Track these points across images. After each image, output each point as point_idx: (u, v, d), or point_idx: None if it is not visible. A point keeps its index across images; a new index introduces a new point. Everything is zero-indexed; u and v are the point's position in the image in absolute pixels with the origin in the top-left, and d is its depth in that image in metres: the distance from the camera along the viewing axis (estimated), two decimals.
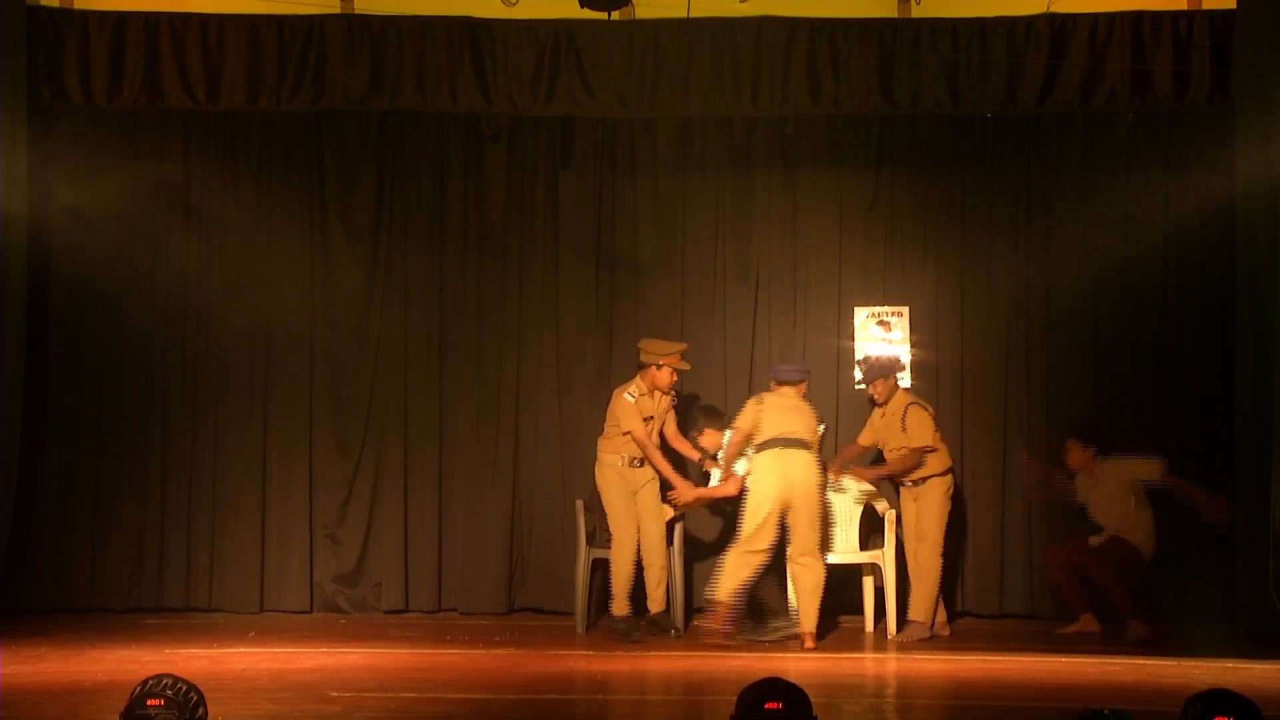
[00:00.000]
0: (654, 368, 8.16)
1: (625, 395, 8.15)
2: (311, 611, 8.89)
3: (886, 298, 9.05)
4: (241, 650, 7.55)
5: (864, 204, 9.11)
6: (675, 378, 8.25)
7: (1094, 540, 8.28)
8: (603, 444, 8.26)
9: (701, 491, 8.32)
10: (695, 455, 8.41)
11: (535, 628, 8.51)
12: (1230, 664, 7.18)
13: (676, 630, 8.06)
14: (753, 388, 9.02)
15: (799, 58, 8.63)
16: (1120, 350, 8.89)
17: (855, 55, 8.46)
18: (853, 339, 8.98)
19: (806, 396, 8.25)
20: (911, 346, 9.02)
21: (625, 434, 8.13)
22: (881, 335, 9.03)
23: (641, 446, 8.11)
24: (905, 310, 9.04)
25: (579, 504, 8.48)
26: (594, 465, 8.32)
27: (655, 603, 8.13)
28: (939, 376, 9.02)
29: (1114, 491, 8.31)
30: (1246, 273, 7.82)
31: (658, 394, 8.24)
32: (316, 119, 9.03)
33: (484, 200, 9.18)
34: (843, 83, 8.61)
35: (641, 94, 8.74)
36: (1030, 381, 8.97)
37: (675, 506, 8.27)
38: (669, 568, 8.17)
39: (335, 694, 6.18)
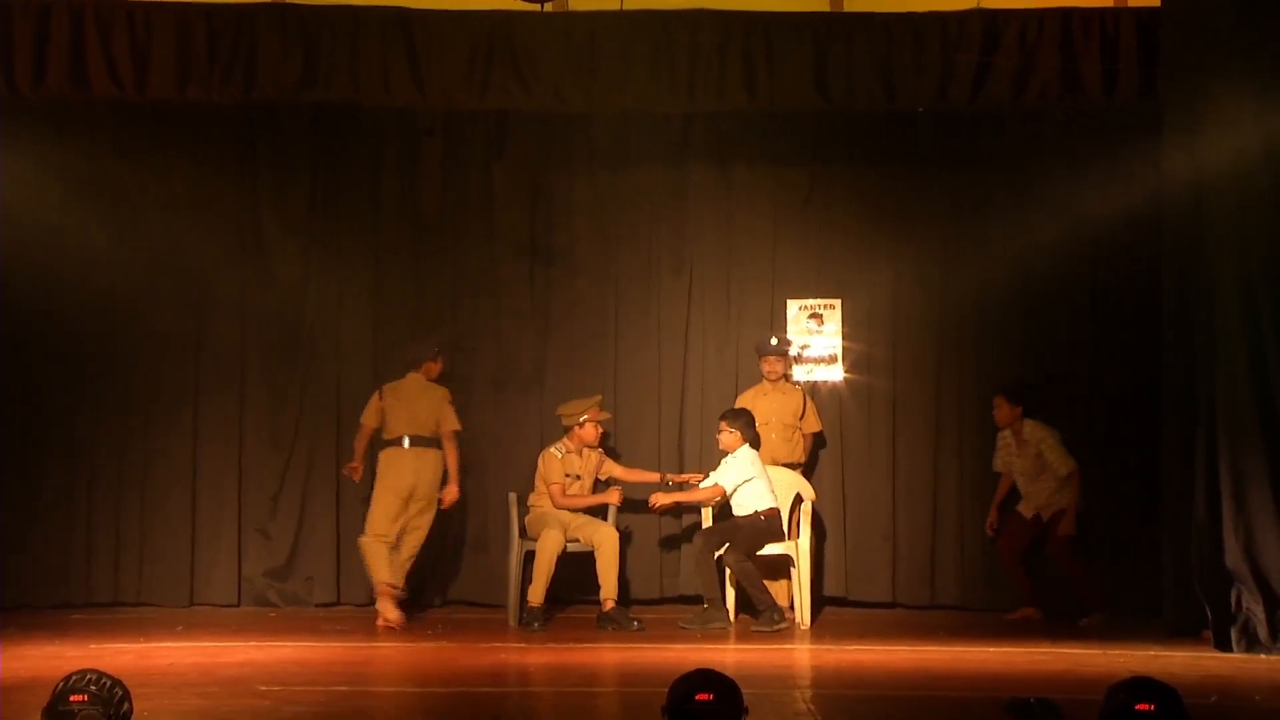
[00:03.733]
0: (577, 427, 8.38)
1: (551, 450, 8.44)
2: (240, 605, 8.86)
3: (820, 291, 9.13)
4: (169, 645, 7.45)
5: (799, 199, 9.18)
6: (601, 430, 8.47)
7: (1022, 511, 8.59)
8: (533, 499, 8.46)
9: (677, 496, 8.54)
10: (656, 476, 8.62)
11: (468, 620, 8.48)
12: (1154, 652, 7.27)
13: (639, 623, 8.06)
14: (687, 380, 9.14)
15: (735, 53, 8.59)
16: (1050, 345, 8.99)
17: (790, 50, 8.47)
18: (785, 332, 9.03)
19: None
20: (844, 340, 9.10)
21: (548, 486, 8.36)
22: (814, 328, 9.11)
23: (554, 501, 8.34)
24: (838, 304, 9.12)
25: (511, 496, 8.50)
26: (528, 497, 8.48)
27: (608, 596, 8.15)
28: (870, 369, 9.11)
29: (1050, 447, 8.49)
30: (1172, 270, 7.89)
31: (586, 451, 8.43)
32: (249, 111, 8.94)
33: (419, 194, 9.18)
34: (778, 78, 8.60)
35: (577, 88, 8.67)
36: (962, 375, 9.06)
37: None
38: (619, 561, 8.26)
39: (264, 688, 6.09)
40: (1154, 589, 8.15)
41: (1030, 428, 8.58)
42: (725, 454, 8.40)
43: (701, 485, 8.46)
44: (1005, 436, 8.69)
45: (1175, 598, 7.82)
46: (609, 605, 8.14)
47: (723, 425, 8.37)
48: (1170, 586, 7.88)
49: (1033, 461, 8.58)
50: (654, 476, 8.61)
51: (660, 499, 8.38)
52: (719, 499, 8.37)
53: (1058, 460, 8.50)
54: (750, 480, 8.25)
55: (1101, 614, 8.37)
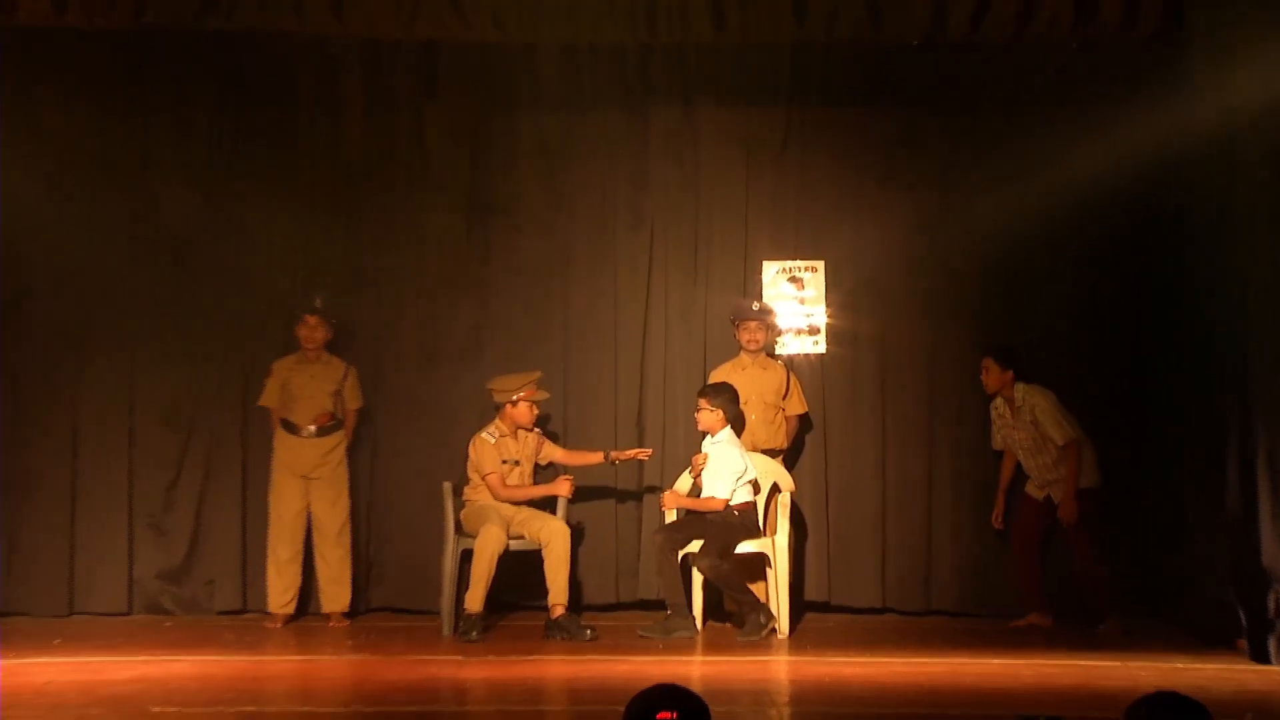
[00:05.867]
0: (509, 405, 8.38)
1: (483, 435, 8.42)
2: (130, 613, 8.86)
3: (799, 251, 9.14)
4: (45, 660, 7.38)
5: (774, 144, 9.19)
6: (537, 410, 8.49)
7: (1031, 492, 8.62)
8: (469, 492, 8.47)
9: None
10: (600, 456, 8.60)
11: (394, 629, 8.49)
12: (1179, 664, 7.33)
13: (592, 631, 8.04)
14: (647, 352, 9.14)
15: None
16: (1060, 310, 9.02)
17: None
18: (761, 298, 9.01)
19: None
20: (827, 307, 9.11)
21: (484, 477, 8.33)
22: (794, 293, 9.11)
23: (494, 493, 8.32)
24: (820, 265, 9.13)
25: (446, 487, 8.48)
26: (463, 498, 8.47)
27: (557, 602, 8.12)
28: (857, 341, 9.13)
29: (1045, 412, 8.47)
30: (1197, 221, 7.94)
31: (522, 433, 8.42)
32: (139, 38, 8.84)
33: (337, 138, 9.20)
34: (749, 5, 8.55)
35: (519, 16, 8.57)
36: (960, 346, 9.06)
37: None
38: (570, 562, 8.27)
39: (158, 709, 6.10)
40: (1179, 590, 8.20)
41: (1023, 392, 8.58)
42: (704, 435, 8.39)
43: (704, 484, 8.37)
44: (998, 406, 8.71)
45: (1204, 601, 7.84)
46: (558, 612, 8.11)
47: (702, 403, 8.34)
48: (1198, 588, 7.91)
49: (1029, 432, 8.58)
50: (597, 457, 8.62)
51: (670, 502, 8.40)
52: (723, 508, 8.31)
53: (1052, 428, 8.49)
54: (742, 475, 8.25)
55: (1118, 619, 8.38)
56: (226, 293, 9.01)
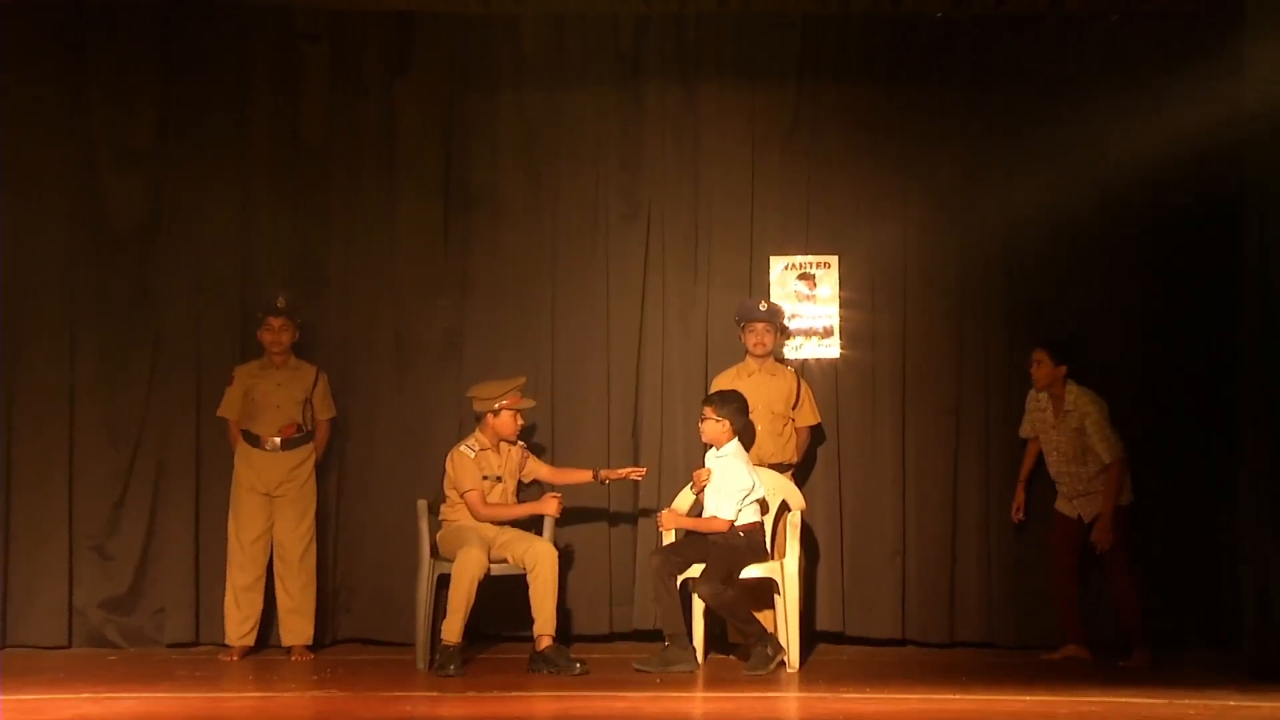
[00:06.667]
0: (490, 415, 8.39)
1: (461, 448, 8.46)
2: (71, 646, 8.84)
3: (810, 245, 9.13)
4: None
5: (783, 126, 9.20)
6: (521, 421, 8.51)
7: (1063, 509, 8.62)
8: (446, 511, 8.50)
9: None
10: (589, 475, 8.61)
11: (364, 663, 8.48)
12: (1231, 700, 7.25)
13: (582, 665, 7.99)
14: (643, 356, 9.12)
15: None
16: (1098, 308, 9.02)
17: None
18: (768, 297, 8.98)
19: None
20: (841, 307, 9.09)
21: (463, 494, 8.33)
22: (805, 292, 9.09)
23: (474, 512, 8.33)
24: (833, 261, 9.11)
25: (420, 505, 8.45)
26: (440, 521, 8.50)
27: (543, 632, 8.07)
28: (874, 344, 9.11)
29: (1096, 424, 8.46)
30: (1253, 210, 7.88)
31: (505, 446, 8.43)
32: (77, 6, 8.86)
33: (298, 117, 9.21)
34: None
35: None
36: (987, 349, 9.09)
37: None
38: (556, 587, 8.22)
39: None
40: (1231, 617, 8.18)
41: (1075, 395, 8.57)
42: (706, 447, 8.37)
43: (707, 502, 8.32)
44: (1040, 400, 8.71)
45: (1259, 629, 7.78)
46: (544, 643, 8.07)
47: (708, 412, 8.31)
48: (1252, 614, 7.84)
49: (1072, 438, 8.57)
50: (585, 475, 8.62)
51: (668, 522, 8.36)
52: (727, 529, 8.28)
53: (1100, 443, 8.49)
54: (749, 493, 8.21)
55: (1146, 651, 8.36)
56: (177, 289, 8.99)
